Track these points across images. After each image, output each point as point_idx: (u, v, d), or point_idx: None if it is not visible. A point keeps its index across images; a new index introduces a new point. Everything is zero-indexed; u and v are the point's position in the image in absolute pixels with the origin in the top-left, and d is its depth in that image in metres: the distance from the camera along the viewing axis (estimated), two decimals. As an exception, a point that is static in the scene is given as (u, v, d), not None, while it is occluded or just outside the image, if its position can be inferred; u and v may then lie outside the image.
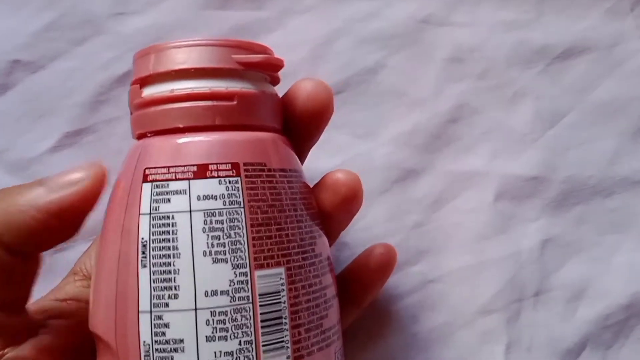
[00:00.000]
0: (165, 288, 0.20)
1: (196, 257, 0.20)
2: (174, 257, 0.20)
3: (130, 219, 0.21)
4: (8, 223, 0.22)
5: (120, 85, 0.32)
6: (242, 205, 0.21)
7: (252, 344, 0.20)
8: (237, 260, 0.20)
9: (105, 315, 0.21)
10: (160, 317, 0.20)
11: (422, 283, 0.32)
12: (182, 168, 0.21)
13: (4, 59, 0.32)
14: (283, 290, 0.21)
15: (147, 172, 0.21)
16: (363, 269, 0.29)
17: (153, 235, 0.20)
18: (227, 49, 0.22)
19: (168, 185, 0.21)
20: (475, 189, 0.33)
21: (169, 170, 0.21)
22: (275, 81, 0.25)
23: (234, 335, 0.20)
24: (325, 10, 0.34)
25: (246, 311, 0.20)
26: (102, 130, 0.32)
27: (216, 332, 0.20)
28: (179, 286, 0.20)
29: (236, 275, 0.20)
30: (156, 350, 0.20)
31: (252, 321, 0.20)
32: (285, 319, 0.21)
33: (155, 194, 0.21)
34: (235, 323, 0.20)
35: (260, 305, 0.20)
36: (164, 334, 0.20)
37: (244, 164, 0.21)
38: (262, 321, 0.20)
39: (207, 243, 0.20)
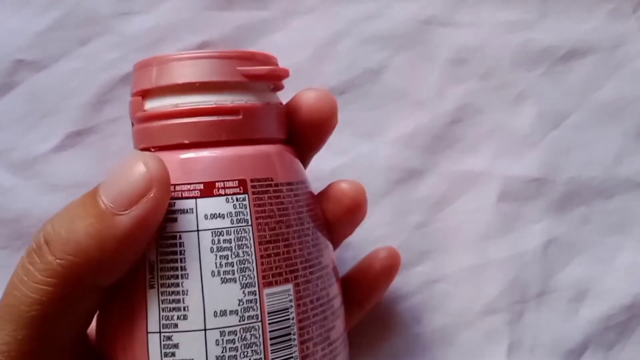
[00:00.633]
0: (174, 309, 0.20)
1: (205, 278, 0.20)
2: (182, 277, 0.20)
3: None
4: (93, 265, 0.20)
5: (124, 85, 0.32)
6: (249, 223, 0.21)
7: None
8: (246, 279, 0.20)
9: (113, 336, 0.21)
10: (169, 338, 0.20)
11: (425, 283, 0.32)
12: (188, 186, 0.21)
13: (8, 59, 0.32)
14: (291, 306, 0.21)
15: None
16: (367, 272, 0.29)
17: (160, 255, 0.20)
18: (232, 61, 0.22)
19: (174, 204, 0.20)
20: (478, 189, 0.33)
21: (174, 188, 0.21)
22: (278, 88, 0.25)
23: (243, 354, 0.20)
24: (328, 10, 0.34)
25: (255, 330, 0.20)
26: (106, 130, 0.32)
27: (226, 351, 0.20)
28: (187, 307, 0.20)
29: (245, 295, 0.20)
30: None
31: (261, 339, 0.20)
32: (294, 334, 0.21)
33: None
34: (244, 342, 0.20)
35: (269, 323, 0.20)
36: (173, 354, 0.20)
37: (251, 180, 0.21)
38: (271, 339, 0.20)
39: (216, 263, 0.20)
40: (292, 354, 0.21)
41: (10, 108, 0.32)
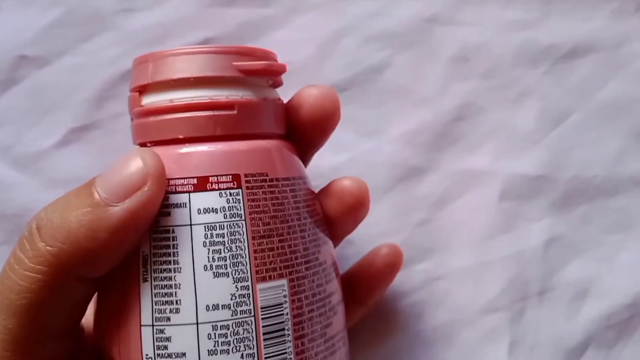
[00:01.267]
0: (167, 302, 0.20)
1: (197, 272, 0.20)
2: (175, 271, 0.20)
3: None
4: (83, 254, 0.20)
5: (126, 82, 0.32)
6: (243, 218, 0.21)
7: (254, 357, 0.20)
8: (239, 273, 0.20)
9: (107, 329, 0.21)
10: (162, 331, 0.20)
11: (427, 281, 0.32)
12: (182, 180, 0.21)
13: (11, 54, 0.32)
14: (286, 302, 0.21)
15: None
16: (369, 269, 0.29)
17: (154, 249, 0.20)
18: (228, 56, 0.22)
19: (168, 198, 0.21)
20: (479, 188, 0.33)
21: (169, 182, 0.21)
22: (277, 84, 0.24)
23: (236, 349, 0.20)
24: (331, 8, 0.34)
25: (248, 324, 0.20)
26: (108, 126, 0.32)
27: (218, 345, 0.20)
28: (180, 300, 0.20)
29: (237, 289, 0.20)
30: None
31: (254, 334, 0.20)
32: (288, 330, 0.21)
33: None
34: (237, 337, 0.20)
35: (263, 318, 0.20)
36: (166, 347, 0.20)
37: (245, 175, 0.21)
38: (264, 334, 0.20)
39: (208, 257, 0.20)
40: (286, 349, 0.21)
41: (13, 104, 0.32)
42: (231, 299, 0.20)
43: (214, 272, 0.20)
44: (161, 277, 0.20)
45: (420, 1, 0.34)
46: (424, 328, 0.32)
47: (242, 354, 0.20)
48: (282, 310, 0.21)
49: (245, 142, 0.22)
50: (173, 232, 0.20)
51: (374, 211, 0.32)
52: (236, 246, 0.20)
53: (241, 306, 0.20)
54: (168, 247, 0.20)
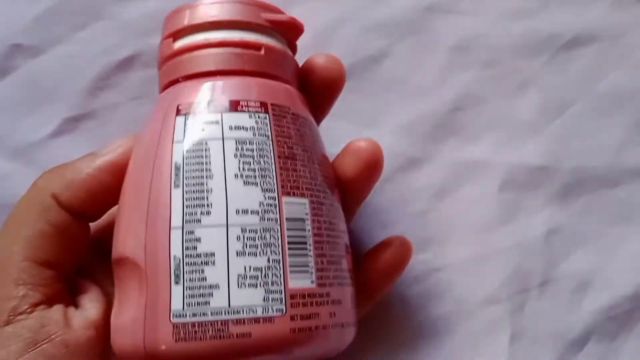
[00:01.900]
0: (198, 205, 0.21)
1: (228, 178, 0.21)
2: (206, 177, 0.21)
3: (163, 147, 0.22)
4: (67, 182, 0.24)
5: (121, 71, 0.32)
6: (270, 138, 0.22)
7: (279, 263, 0.21)
8: (266, 185, 0.22)
9: (135, 235, 0.22)
10: (192, 232, 0.21)
11: (427, 272, 0.32)
12: (215, 102, 0.23)
13: (4, 43, 0.32)
14: (307, 219, 0.22)
15: (180, 107, 0.23)
16: (378, 262, 0.28)
17: (186, 159, 0.22)
18: (257, 8, 0.25)
19: (201, 117, 0.22)
20: (479, 178, 0.33)
21: (201, 104, 0.23)
22: (293, 49, 0.27)
23: (263, 253, 0.21)
24: (329, -4, 0.33)
25: (275, 231, 0.21)
26: (103, 116, 0.32)
27: (246, 247, 0.21)
28: (211, 204, 0.21)
29: (265, 198, 0.21)
30: (187, 264, 0.20)
31: (279, 242, 0.21)
32: (309, 245, 0.22)
33: (188, 124, 0.22)
34: (264, 241, 0.21)
35: (288, 229, 0.21)
36: (195, 247, 0.21)
37: (272, 104, 0.23)
38: (289, 243, 0.21)
39: (239, 167, 0.22)
40: (308, 262, 0.22)
41: (7, 93, 0.32)
42: (259, 206, 0.21)
43: (244, 180, 0.21)
44: (193, 183, 0.21)
45: (419, -10, 0.34)
46: (424, 320, 0.31)
47: (269, 258, 0.21)
48: (305, 226, 0.22)
49: (270, 81, 0.24)
50: (206, 144, 0.22)
51: (373, 202, 0.32)
52: (264, 161, 0.22)
53: (268, 214, 0.21)
54: (201, 157, 0.22)
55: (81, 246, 0.25)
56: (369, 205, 0.32)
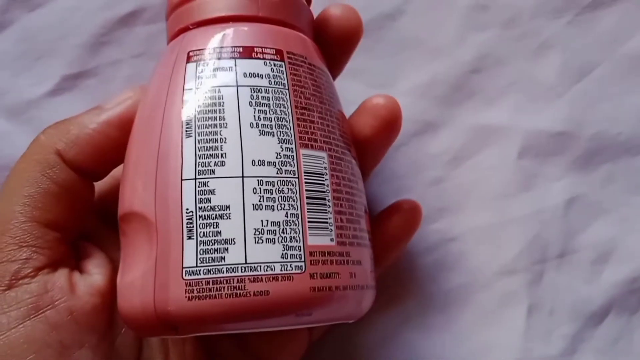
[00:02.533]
0: (212, 156, 0.20)
1: (243, 128, 0.20)
2: (220, 127, 0.20)
3: (173, 96, 0.21)
4: (72, 138, 0.23)
5: (123, 26, 0.31)
6: (286, 87, 0.21)
7: (298, 217, 0.20)
8: (283, 135, 0.21)
9: (144, 188, 0.20)
10: (205, 184, 0.20)
11: (441, 242, 0.31)
12: (228, 48, 0.21)
13: (0, -4, 0.31)
14: (326, 174, 0.21)
15: (191, 53, 0.21)
16: (387, 227, 0.27)
17: (198, 107, 0.20)
18: None
19: (214, 63, 0.21)
20: (497, 144, 0.32)
21: (214, 50, 0.21)
22: (307, 0, 0.25)
23: (280, 207, 0.20)
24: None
25: (292, 185, 0.20)
26: (104, 74, 0.31)
27: (263, 200, 0.20)
28: (225, 154, 0.20)
29: (282, 150, 0.20)
30: (200, 217, 0.19)
31: (298, 196, 0.20)
32: (329, 201, 0.21)
33: (200, 71, 0.21)
34: (282, 195, 0.20)
35: (306, 183, 0.20)
36: (209, 200, 0.19)
37: (287, 52, 0.22)
38: (307, 198, 0.20)
39: (254, 116, 0.20)
40: (327, 219, 0.21)
41: (3, 49, 0.31)
42: (276, 158, 0.20)
43: (259, 130, 0.20)
44: (206, 132, 0.20)
45: (436, -55, 0.32)
46: (437, 291, 0.31)
47: (287, 213, 0.20)
48: (324, 181, 0.21)
49: (285, 28, 0.23)
50: (219, 91, 0.21)
51: (386, 168, 0.31)
52: (280, 110, 0.21)
53: (286, 166, 0.20)
54: (214, 104, 0.20)
55: (86, 207, 0.24)
56: (382, 172, 0.31)
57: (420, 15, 0.32)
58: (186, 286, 0.19)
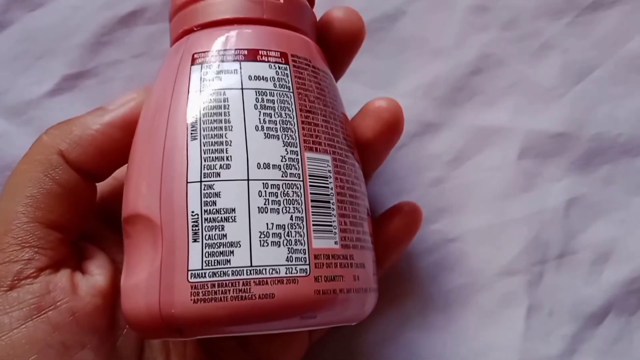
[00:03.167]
0: (217, 158, 0.20)
1: (248, 130, 0.20)
2: (225, 129, 0.20)
3: (178, 99, 0.21)
4: (75, 139, 0.23)
5: (124, 26, 0.31)
6: (291, 90, 0.21)
7: (303, 220, 0.20)
8: (288, 138, 0.21)
9: (148, 191, 0.20)
10: (211, 187, 0.20)
11: (441, 242, 0.31)
12: (233, 51, 0.21)
13: (0, -4, 0.31)
14: (330, 177, 0.21)
15: (195, 56, 0.21)
16: (387, 228, 0.28)
17: (203, 110, 0.20)
18: None
19: (219, 66, 0.21)
20: (498, 145, 0.32)
21: (219, 53, 0.21)
22: (311, 3, 0.25)
23: (286, 210, 0.20)
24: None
25: (297, 188, 0.20)
26: (104, 74, 0.31)
27: (268, 204, 0.20)
28: (231, 157, 0.20)
29: (287, 153, 0.21)
30: (205, 220, 0.19)
31: (303, 199, 0.20)
32: (333, 204, 0.21)
33: (205, 74, 0.21)
34: (287, 198, 0.20)
35: (311, 186, 0.21)
36: (214, 203, 0.20)
37: (292, 55, 0.22)
38: (312, 201, 0.20)
39: (259, 119, 0.21)
40: (331, 222, 0.21)
41: (3, 49, 0.31)
42: (281, 161, 0.20)
43: (265, 133, 0.20)
44: (211, 135, 0.20)
45: (437, -55, 0.32)
46: (437, 291, 0.31)
47: (292, 216, 0.20)
48: (328, 184, 0.21)
49: (289, 31, 0.23)
50: (224, 94, 0.21)
51: (386, 169, 0.31)
52: (285, 113, 0.21)
53: (291, 169, 0.20)
54: (219, 107, 0.21)
55: (88, 208, 0.24)
56: (383, 172, 0.31)
57: (421, 16, 0.32)
58: (191, 289, 0.19)
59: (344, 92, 0.25)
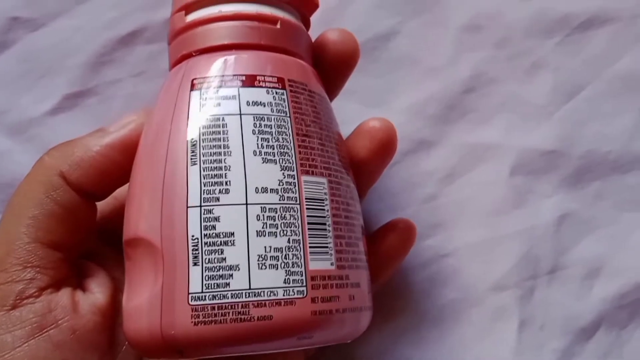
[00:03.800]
0: (216, 183, 0.20)
1: (247, 155, 0.21)
2: (224, 154, 0.21)
3: (178, 123, 0.21)
4: (75, 161, 0.23)
5: (124, 46, 0.31)
6: (288, 115, 0.22)
7: (300, 243, 0.21)
8: (285, 162, 0.21)
9: (149, 215, 0.21)
10: (210, 211, 0.20)
11: (435, 258, 0.31)
12: (231, 77, 0.22)
13: (3, 16, 0.31)
14: (326, 199, 0.22)
15: (195, 81, 0.22)
16: (381, 245, 0.28)
17: (203, 135, 0.21)
18: None
19: (217, 91, 0.22)
20: (490, 162, 0.32)
21: (217, 79, 0.22)
22: (307, 24, 0.26)
23: (283, 233, 0.20)
24: (338, -27, 0.32)
25: (294, 211, 0.21)
26: (105, 93, 0.31)
27: (266, 227, 0.20)
28: (230, 182, 0.20)
29: (284, 177, 0.21)
30: (205, 243, 0.20)
31: (299, 222, 0.21)
32: (329, 226, 0.21)
33: (204, 99, 0.21)
34: (284, 221, 0.20)
35: (307, 208, 0.21)
36: (214, 227, 0.20)
37: (289, 80, 0.22)
38: (308, 224, 0.21)
39: (257, 144, 0.21)
40: (327, 243, 0.21)
41: (5, 68, 0.31)
42: (279, 185, 0.21)
43: (262, 158, 0.21)
44: (210, 160, 0.21)
45: (431, -33, 0.33)
46: (431, 307, 0.31)
47: (289, 239, 0.20)
48: (324, 206, 0.21)
49: (286, 56, 0.23)
50: (223, 120, 0.21)
51: (380, 186, 0.31)
52: (282, 138, 0.21)
53: (288, 193, 0.21)
54: (218, 132, 0.21)
55: (89, 227, 0.24)
56: (377, 189, 0.31)
57: (414, 35, 0.33)
58: (192, 311, 0.19)
59: (338, 111, 0.26)
